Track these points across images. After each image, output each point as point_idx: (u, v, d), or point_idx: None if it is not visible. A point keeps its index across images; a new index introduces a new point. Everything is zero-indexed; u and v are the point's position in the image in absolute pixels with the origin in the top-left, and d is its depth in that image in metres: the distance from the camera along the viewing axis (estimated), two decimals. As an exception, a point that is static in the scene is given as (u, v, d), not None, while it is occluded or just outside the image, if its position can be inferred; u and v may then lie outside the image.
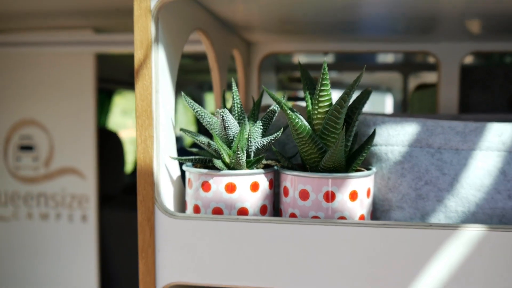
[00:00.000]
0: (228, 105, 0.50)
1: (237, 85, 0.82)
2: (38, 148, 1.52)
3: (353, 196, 0.43)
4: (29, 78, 1.50)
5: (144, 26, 0.41)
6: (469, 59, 1.21)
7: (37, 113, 1.51)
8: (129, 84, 3.05)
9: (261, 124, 0.46)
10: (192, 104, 0.45)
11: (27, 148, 1.53)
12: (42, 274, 1.56)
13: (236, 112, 0.46)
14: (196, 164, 0.47)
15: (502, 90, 0.86)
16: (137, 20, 0.42)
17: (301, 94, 3.96)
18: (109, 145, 1.57)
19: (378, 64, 1.77)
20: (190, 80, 3.64)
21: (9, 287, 1.58)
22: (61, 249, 1.53)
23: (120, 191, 1.65)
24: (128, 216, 1.56)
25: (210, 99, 5.07)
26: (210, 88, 4.17)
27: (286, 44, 0.89)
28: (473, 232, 0.40)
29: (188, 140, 4.57)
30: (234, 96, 0.46)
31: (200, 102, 4.25)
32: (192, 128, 4.69)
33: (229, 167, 0.44)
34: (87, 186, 1.50)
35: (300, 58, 2.30)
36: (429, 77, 1.80)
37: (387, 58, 1.75)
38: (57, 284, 1.55)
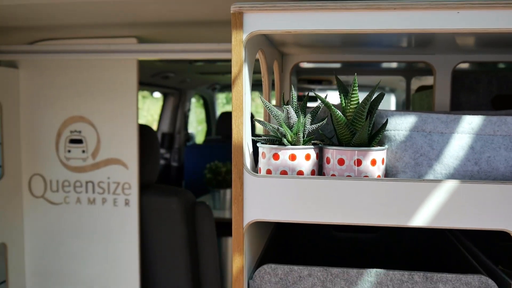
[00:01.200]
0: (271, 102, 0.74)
1: (273, 86, 1.07)
2: (87, 142, 1.76)
3: (373, 163, 0.67)
4: (80, 80, 1.74)
5: (239, 51, 0.65)
6: (459, 66, 1.45)
7: (86, 111, 1.75)
8: (145, 84, 3.29)
9: (310, 115, 0.70)
10: (265, 102, 0.69)
11: (76, 141, 1.77)
12: (90, 252, 1.79)
13: (293, 107, 0.70)
14: (265, 143, 0.71)
15: (485, 92, 1.10)
16: (234, 47, 0.65)
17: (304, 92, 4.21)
18: (146, 138, 1.81)
19: (384, 69, 2.00)
20: (204, 80, 3.89)
21: (59, 265, 1.82)
22: (106, 230, 1.77)
23: (156, 180, 1.88)
24: (163, 201, 1.80)
25: (222, 97, 5.28)
26: (221, 89, 4.41)
27: (312, 55, 1.13)
28: (450, 184, 0.64)
29: (198, 138, 4.79)
30: (292, 96, 0.70)
31: (212, 100, 4.49)
32: (203, 125, 4.92)
33: (291, 143, 0.68)
34: (130, 174, 1.74)
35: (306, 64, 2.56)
36: (429, 80, 2.05)
37: (392, 64, 1.99)
38: (103, 261, 1.79)
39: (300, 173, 0.68)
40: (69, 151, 1.78)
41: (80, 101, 1.76)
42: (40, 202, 1.81)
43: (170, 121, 3.77)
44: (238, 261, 0.67)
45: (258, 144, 0.70)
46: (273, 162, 0.68)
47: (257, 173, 0.70)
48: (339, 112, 0.65)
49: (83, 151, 1.77)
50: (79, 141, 1.77)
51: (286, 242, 1.05)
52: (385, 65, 2.13)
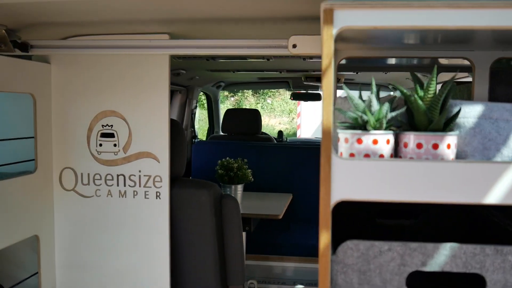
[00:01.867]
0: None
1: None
2: (118, 135, 1.81)
3: (448, 146, 0.74)
4: (112, 75, 1.79)
5: (329, 45, 0.72)
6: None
7: (118, 105, 1.80)
8: None
9: (388, 105, 0.78)
10: (348, 91, 0.76)
11: (108, 135, 1.82)
12: (120, 245, 1.84)
13: (371, 97, 0.78)
14: (346, 129, 0.78)
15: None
16: (325, 41, 0.72)
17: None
18: (175, 133, 1.86)
19: (405, 65, 2.07)
20: (211, 78, 3.95)
21: (90, 257, 1.87)
22: (137, 222, 1.82)
23: (183, 173, 1.94)
24: (194, 193, 1.86)
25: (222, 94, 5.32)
26: (225, 87, 4.47)
27: (358, 51, 1.20)
28: (521, 165, 0.72)
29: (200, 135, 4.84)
30: (373, 87, 0.78)
31: (216, 98, 4.55)
32: (200, 123, 4.98)
33: (374, 129, 0.76)
34: (161, 168, 1.80)
35: None
36: (447, 76, 2.13)
37: (413, 60, 2.07)
38: (134, 252, 1.84)
39: (381, 156, 0.75)
40: (100, 144, 1.82)
41: (112, 96, 1.80)
42: (71, 195, 1.86)
43: (178, 118, 3.82)
44: (325, 237, 0.74)
45: (339, 131, 0.77)
46: (357, 146, 0.75)
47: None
48: (420, 101, 0.73)
49: (115, 145, 1.82)
50: (110, 135, 1.82)
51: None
52: (400, 61, 2.22)
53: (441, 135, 0.74)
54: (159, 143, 1.79)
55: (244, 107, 10.47)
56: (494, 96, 1.19)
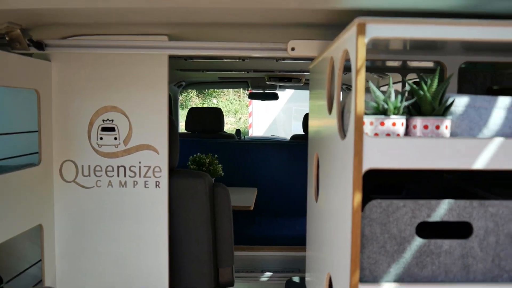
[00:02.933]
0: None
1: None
2: (119, 129, 1.96)
3: (446, 127, 1.01)
4: (113, 73, 1.93)
5: (363, 50, 0.96)
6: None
7: (119, 101, 1.95)
8: None
9: (401, 96, 1.03)
10: (371, 85, 1.01)
11: (109, 129, 1.97)
12: (120, 232, 1.99)
13: (390, 90, 1.03)
14: (370, 115, 1.03)
15: (481, 85, 1.51)
16: (360, 48, 0.96)
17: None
18: (171, 127, 2.04)
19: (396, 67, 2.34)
20: (176, 76, 4.10)
21: (90, 245, 1.99)
22: (137, 210, 1.98)
23: (177, 164, 2.12)
24: (191, 182, 2.05)
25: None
26: (186, 86, 4.62)
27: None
28: (497, 140, 1.00)
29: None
30: (390, 84, 1.03)
31: (176, 97, 4.68)
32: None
33: (393, 114, 1.01)
34: (160, 159, 1.97)
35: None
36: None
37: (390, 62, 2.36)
38: (133, 239, 1.99)
39: (397, 135, 1.01)
40: (101, 138, 1.97)
41: (113, 93, 1.95)
42: (72, 186, 1.98)
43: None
44: (357, 198, 0.98)
45: (365, 116, 1.02)
46: (380, 128, 1.00)
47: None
48: (428, 94, 0.99)
49: (115, 138, 1.97)
50: (111, 129, 1.97)
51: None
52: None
53: (441, 119, 1.01)
54: (159, 136, 1.96)
55: (188, 107, 10.62)
56: (461, 91, 1.50)
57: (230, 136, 4.35)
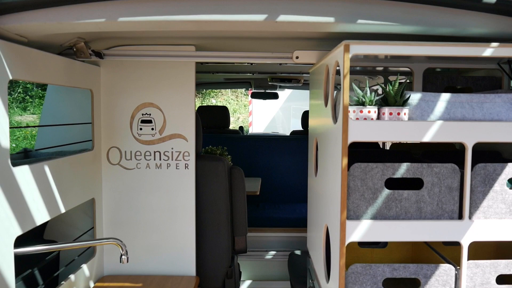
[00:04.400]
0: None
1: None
2: (155, 121, 2.46)
3: (405, 114, 1.52)
4: (150, 77, 2.43)
5: (348, 63, 1.47)
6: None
7: (155, 99, 2.45)
8: None
9: (375, 92, 1.54)
10: (354, 86, 1.52)
11: (147, 121, 2.46)
12: (155, 205, 2.49)
13: (367, 89, 1.54)
14: (353, 105, 1.53)
15: (441, 85, 2.02)
16: (345, 61, 1.47)
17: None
18: (196, 121, 2.54)
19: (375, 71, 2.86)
20: None
21: (131, 216, 2.49)
22: (169, 187, 2.48)
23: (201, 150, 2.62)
24: (213, 165, 2.55)
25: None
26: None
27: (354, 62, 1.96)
28: (438, 122, 1.51)
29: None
30: (367, 85, 1.54)
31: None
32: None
33: (369, 105, 1.52)
34: (189, 145, 2.47)
35: None
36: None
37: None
38: (166, 211, 2.49)
39: (371, 119, 1.52)
40: (140, 129, 2.47)
41: (150, 92, 2.45)
42: (116, 168, 2.48)
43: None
44: (345, 161, 1.49)
45: (350, 107, 1.52)
46: (360, 114, 1.51)
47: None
48: (392, 92, 1.50)
49: (152, 129, 2.47)
50: (149, 121, 2.47)
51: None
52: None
53: (401, 108, 1.52)
54: (187, 127, 2.47)
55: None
56: (425, 89, 2.02)
57: (235, 131, 4.86)
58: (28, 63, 1.74)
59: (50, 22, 1.58)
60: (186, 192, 2.50)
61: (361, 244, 2.11)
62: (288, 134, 5.41)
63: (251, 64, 3.37)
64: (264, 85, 5.01)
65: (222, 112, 4.67)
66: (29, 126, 2.56)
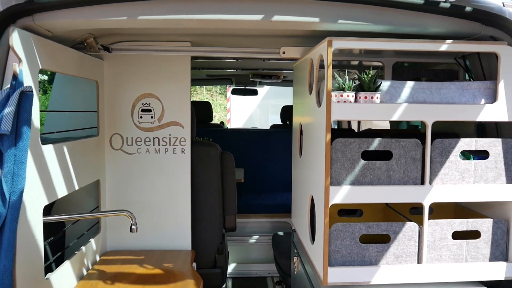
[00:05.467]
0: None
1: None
2: (154, 110, 2.76)
3: (377, 98, 1.87)
4: (150, 69, 2.73)
5: (330, 56, 1.81)
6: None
7: (154, 90, 2.75)
8: None
9: (353, 81, 1.89)
10: (337, 76, 1.86)
11: (147, 110, 2.76)
12: (155, 186, 2.78)
13: (346, 77, 1.88)
14: (335, 90, 1.87)
15: (407, 77, 2.39)
16: (328, 54, 1.81)
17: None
18: (191, 109, 2.84)
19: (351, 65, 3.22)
20: None
21: (132, 196, 2.77)
22: (167, 170, 2.78)
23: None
24: (207, 150, 2.86)
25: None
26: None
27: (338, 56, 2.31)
28: (404, 105, 1.86)
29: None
30: (346, 75, 1.88)
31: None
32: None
33: (348, 91, 1.86)
34: (185, 132, 2.78)
35: None
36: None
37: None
38: (165, 191, 2.78)
39: (350, 102, 1.86)
40: (141, 117, 2.76)
41: (150, 83, 2.75)
42: (119, 153, 2.76)
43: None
44: (328, 136, 1.83)
45: (332, 92, 1.86)
46: (340, 98, 1.85)
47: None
48: (366, 79, 1.85)
49: (151, 117, 2.77)
50: (148, 110, 2.76)
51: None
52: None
53: (374, 93, 1.87)
54: (184, 115, 2.77)
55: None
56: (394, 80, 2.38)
57: (219, 125, 5.18)
58: (52, 55, 2.02)
59: (76, 19, 1.87)
60: (182, 175, 2.80)
61: (340, 214, 2.46)
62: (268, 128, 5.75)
63: (237, 60, 3.69)
64: (245, 81, 5.34)
65: (206, 107, 4.98)
66: (45, 111, 2.84)
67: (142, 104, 2.76)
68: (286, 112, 5.18)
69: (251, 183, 4.68)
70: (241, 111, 9.30)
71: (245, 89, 5.68)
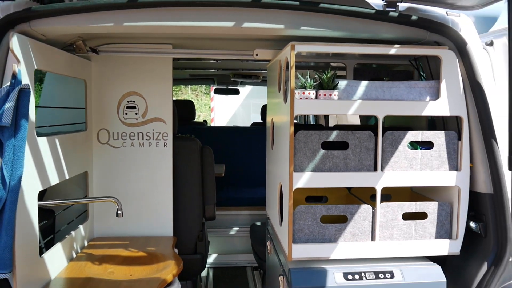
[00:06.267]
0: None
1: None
2: (138, 107, 3.01)
3: (335, 95, 2.15)
4: (134, 70, 2.98)
5: (293, 59, 2.09)
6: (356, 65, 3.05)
7: (139, 88, 3.00)
8: None
9: (314, 80, 2.16)
10: (299, 76, 2.13)
11: (131, 107, 3.01)
12: (139, 178, 3.03)
13: (307, 77, 2.16)
14: (299, 88, 2.15)
15: (367, 77, 2.68)
16: (292, 57, 2.09)
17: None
18: (172, 106, 3.10)
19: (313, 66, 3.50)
20: None
21: (117, 187, 3.02)
22: (151, 162, 3.03)
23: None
24: (187, 144, 3.12)
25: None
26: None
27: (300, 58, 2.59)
28: (359, 101, 2.15)
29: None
30: (308, 75, 2.16)
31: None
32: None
33: (309, 89, 2.14)
34: (167, 128, 3.03)
35: None
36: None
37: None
38: (149, 182, 3.03)
39: (311, 99, 2.14)
40: (126, 113, 3.01)
41: (134, 82, 3.00)
42: (105, 146, 3.01)
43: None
44: (292, 128, 2.10)
45: (295, 90, 2.14)
46: (302, 95, 2.13)
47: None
48: (325, 79, 2.13)
49: (136, 114, 3.02)
50: (133, 107, 3.01)
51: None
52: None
53: (332, 91, 2.14)
54: (166, 112, 3.03)
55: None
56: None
57: (201, 123, 5.43)
58: (45, 56, 2.26)
59: (68, 25, 2.12)
60: (164, 167, 3.05)
61: (308, 200, 2.74)
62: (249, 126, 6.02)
63: (217, 61, 3.95)
64: (227, 81, 5.61)
65: (189, 105, 5.23)
66: (40, 106, 3.09)
67: (127, 101, 3.01)
68: (265, 111, 5.46)
69: (232, 178, 4.95)
70: (225, 110, 9.57)
71: (227, 89, 5.95)
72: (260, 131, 5.11)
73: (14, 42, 1.94)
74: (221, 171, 4.30)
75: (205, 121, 6.23)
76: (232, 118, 9.60)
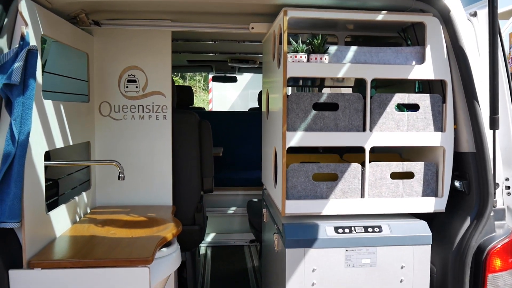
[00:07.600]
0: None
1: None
2: (139, 81, 3.15)
3: (326, 59, 2.30)
4: (135, 43, 3.12)
5: (286, 24, 2.23)
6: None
7: (139, 62, 3.14)
8: None
9: (306, 44, 2.31)
10: (292, 42, 2.28)
11: (132, 81, 3.15)
12: (139, 148, 3.16)
13: (299, 42, 2.30)
14: (291, 52, 2.29)
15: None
16: (284, 22, 2.23)
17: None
18: (172, 80, 3.24)
19: None
20: None
21: (118, 157, 3.15)
22: (151, 134, 3.17)
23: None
24: (186, 116, 3.26)
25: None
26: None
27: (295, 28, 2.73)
28: (348, 64, 2.29)
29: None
30: (300, 41, 2.30)
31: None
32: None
33: (302, 53, 2.28)
34: (166, 100, 3.17)
35: None
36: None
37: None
38: (149, 152, 3.17)
39: (303, 62, 2.28)
40: (127, 87, 3.15)
41: (135, 57, 3.14)
42: (107, 119, 3.15)
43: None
44: (284, 90, 2.24)
45: (288, 54, 2.28)
46: (295, 59, 2.27)
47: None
48: (316, 43, 2.27)
49: (136, 87, 3.16)
50: (134, 81, 3.15)
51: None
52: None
53: (323, 55, 2.29)
54: (165, 85, 3.17)
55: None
56: (346, 52, 2.81)
57: (200, 108, 5.58)
58: (51, 24, 2.40)
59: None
60: (164, 139, 3.19)
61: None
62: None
63: (214, 42, 4.09)
64: (224, 68, 5.75)
65: (187, 91, 5.37)
66: (44, 71, 3.24)
67: (128, 75, 3.15)
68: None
69: (230, 160, 5.09)
70: (223, 101, 9.74)
71: (225, 76, 6.09)
72: (257, 116, 5.26)
73: (23, 5, 2.08)
74: (219, 151, 4.44)
75: (203, 108, 6.39)
76: (230, 108, 9.76)
